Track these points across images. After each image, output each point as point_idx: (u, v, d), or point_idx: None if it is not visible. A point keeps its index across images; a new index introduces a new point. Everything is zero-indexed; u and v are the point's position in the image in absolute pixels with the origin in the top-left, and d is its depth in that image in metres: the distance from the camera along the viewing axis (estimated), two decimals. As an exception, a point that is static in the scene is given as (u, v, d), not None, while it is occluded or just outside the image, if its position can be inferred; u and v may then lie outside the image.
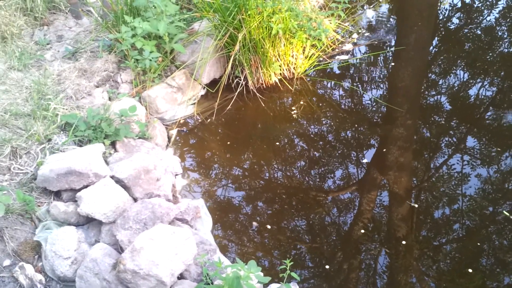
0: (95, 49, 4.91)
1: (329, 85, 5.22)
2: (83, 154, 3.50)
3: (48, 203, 3.45)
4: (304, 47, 5.11)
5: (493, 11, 6.35)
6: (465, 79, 5.18)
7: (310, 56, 5.18)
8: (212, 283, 2.97)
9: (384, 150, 4.40)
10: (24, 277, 2.98)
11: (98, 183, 3.37)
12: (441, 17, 6.37)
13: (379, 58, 5.61)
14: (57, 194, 3.54)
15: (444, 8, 6.56)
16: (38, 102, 4.06)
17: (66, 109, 4.11)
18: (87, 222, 3.40)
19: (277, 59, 4.99)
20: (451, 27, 6.15)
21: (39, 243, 3.20)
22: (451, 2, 6.63)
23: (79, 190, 3.38)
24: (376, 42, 5.78)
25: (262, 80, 5.05)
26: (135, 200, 3.48)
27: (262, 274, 2.85)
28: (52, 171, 3.36)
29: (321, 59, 5.34)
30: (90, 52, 4.85)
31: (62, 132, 3.93)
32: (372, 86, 5.23)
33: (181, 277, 3.09)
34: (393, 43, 5.82)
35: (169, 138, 4.60)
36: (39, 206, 3.42)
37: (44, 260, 3.13)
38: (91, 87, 4.45)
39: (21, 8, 5.10)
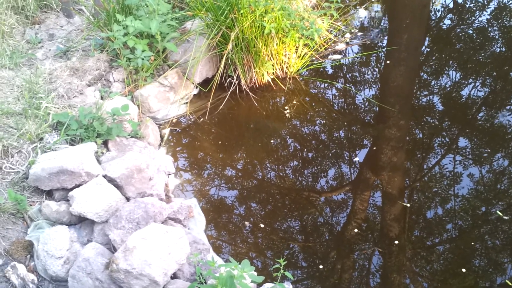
0: (87, 48, 4.88)
1: (321, 84, 5.22)
2: (75, 153, 3.48)
3: (40, 203, 3.43)
4: (296, 47, 5.10)
5: (484, 11, 6.38)
6: (457, 79, 5.20)
7: (303, 56, 5.18)
8: (205, 283, 2.96)
9: (377, 150, 4.41)
10: (16, 276, 2.96)
11: (90, 182, 3.36)
12: (433, 17, 6.39)
13: (371, 57, 5.62)
14: (49, 193, 3.52)
15: (436, 8, 6.58)
16: (29, 101, 4.04)
17: (58, 108, 4.08)
18: (79, 221, 3.38)
19: (270, 58, 4.98)
20: (443, 27, 6.17)
21: (31, 243, 3.18)
22: (443, 3, 6.66)
23: (71, 189, 3.37)
24: (368, 42, 5.79)
25: (255, 79, 5.04)
26: (127, 199, 3.46)
27: (255, 273, 2.85)
28: (44, 170, 3.34)
29: (313, 58, 5.34)
30: (82, 51, 4.82)
31: (54, 131, 3.90)
32: (365, 86, 5.24)
33: (174, 276, 3.08)
34: (385, 43, 5.83)
35: (161, 137, 4.59)
36: (31, 205, 3.40)
37: (36, 260, 3.11)
38: (83, 86, 4.43)
39: (12, 7, 5.06)
